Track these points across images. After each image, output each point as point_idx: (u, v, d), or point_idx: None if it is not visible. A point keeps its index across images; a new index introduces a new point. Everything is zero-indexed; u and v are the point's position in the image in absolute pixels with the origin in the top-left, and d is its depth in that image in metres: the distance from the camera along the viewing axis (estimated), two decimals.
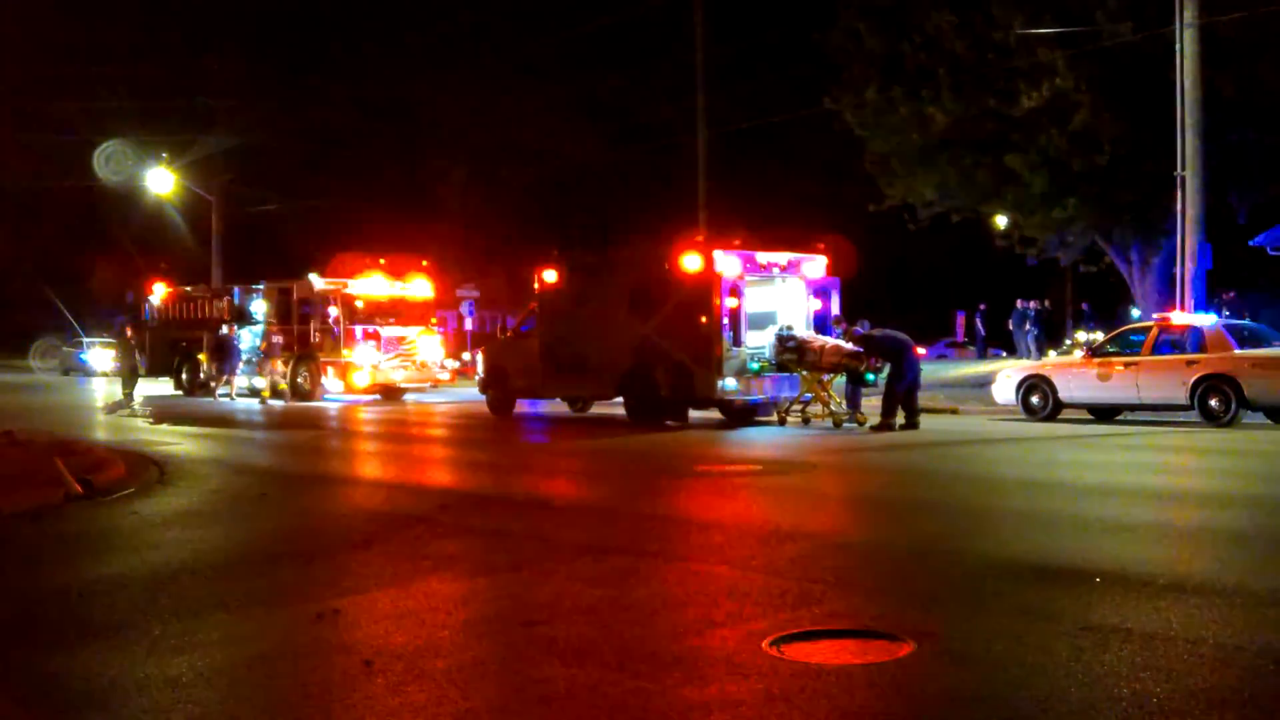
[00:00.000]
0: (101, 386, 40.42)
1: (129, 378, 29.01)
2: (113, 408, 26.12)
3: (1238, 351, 18.74)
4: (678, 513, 10.65)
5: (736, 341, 19.51)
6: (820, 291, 20.85)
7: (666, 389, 19.99)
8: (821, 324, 20.60)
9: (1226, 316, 24.11)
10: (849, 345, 19.28)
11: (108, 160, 44.93)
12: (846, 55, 31.54)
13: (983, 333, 42.12)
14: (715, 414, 21.08)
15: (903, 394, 18.88)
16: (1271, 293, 31.66)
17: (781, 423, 19.88)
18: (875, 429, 18.62)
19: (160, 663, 5.66)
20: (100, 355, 50.63)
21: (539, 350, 22.31)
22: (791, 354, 19.39)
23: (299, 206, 47.77)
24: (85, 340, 52.40)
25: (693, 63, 34.10)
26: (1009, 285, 41.89)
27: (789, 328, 19.86)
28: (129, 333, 30.51)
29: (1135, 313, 32.29)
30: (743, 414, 20.60)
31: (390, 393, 30.34)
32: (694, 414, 20.75)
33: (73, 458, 13.33)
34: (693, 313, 19.55)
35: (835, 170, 39.12)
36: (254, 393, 30.20)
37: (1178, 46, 23.52)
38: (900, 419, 18.75)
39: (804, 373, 19.51)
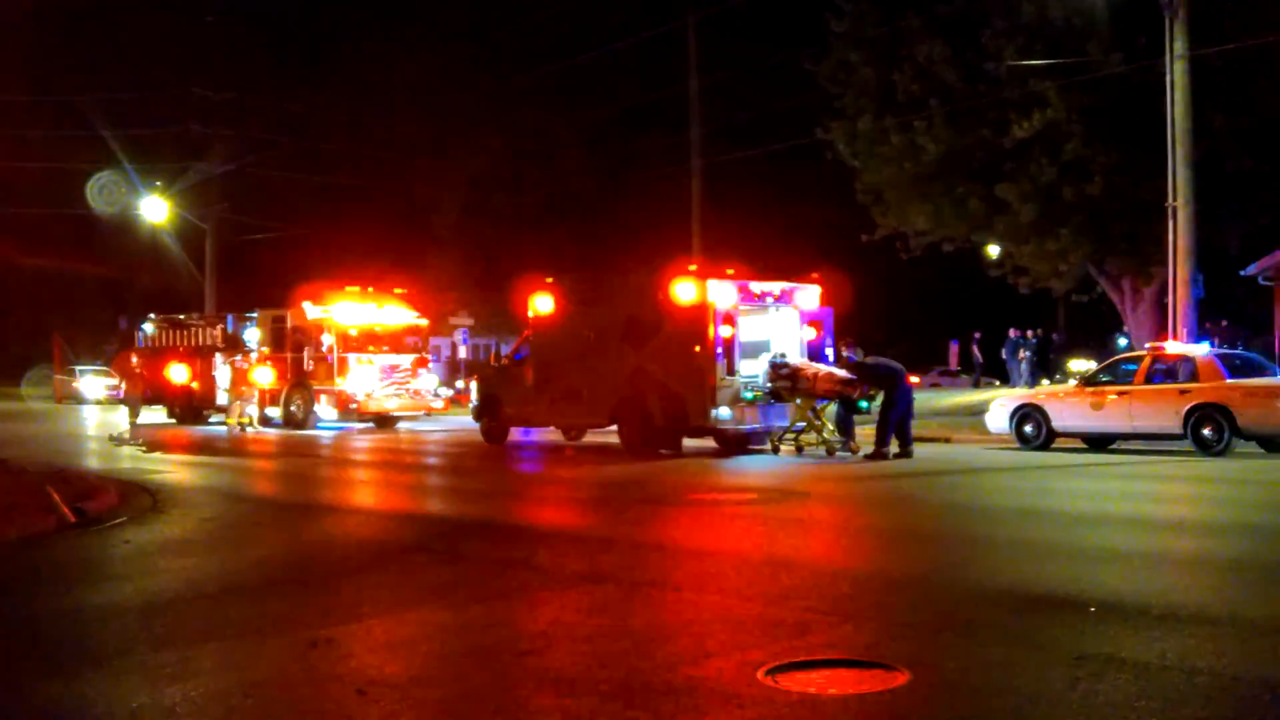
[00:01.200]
0: (95, 415, 40.35)
1: (136, 407, 28.95)
2: (122, 439, 25.72)
3: (1230, 381, 18.78)
4: (672, 542, 10.63)
5: (730, 370, 19.52)
6: (813, 321, 20.92)
7: (660, 418, 19.99)
8: (815, 353, 20.65)
9: (1218, 345, 24.20)
10: (842, 372, 19.33)
11: (101, 191, 45.02)
12: (839, 85, 31.70)
13: (981, 361, 42.17)
14: (709, 443, 21.08)
15: (896, 422, 18.91)
16: (1263, 322, 31.80)
17: (775, 451, 19.88)
18: (869, 457, 18.63)
19: (154, 691, 5.64)
20: (93, 383, 50.58)
21: (532, 378, 22.31)
22: (786, 381, 19.41)
23: (294, 234, 47.85)
24: (78, 368, 52.34)
25: (686, 92, 34.29)
26: (1002, 314, 41.99)
27: (782, 355, 19.91)
28: (136, 361, 30.35)
29: (1122, 342, 32.36)
30: (737, 443, 20.60)
31: (384, 421, 30.30)
32: (688, 443, 20.74)
33: (65, 485, 13.29)
34: (686, 342, 19.58)
35: (828, 199, 39.26)
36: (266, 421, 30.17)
37: (1168, 78, 23.68)
38: (894, 448, 18.78)
39: (797, 400, 19.53)
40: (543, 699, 5.41)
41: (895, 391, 19.07)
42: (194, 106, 45.13)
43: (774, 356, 19.80)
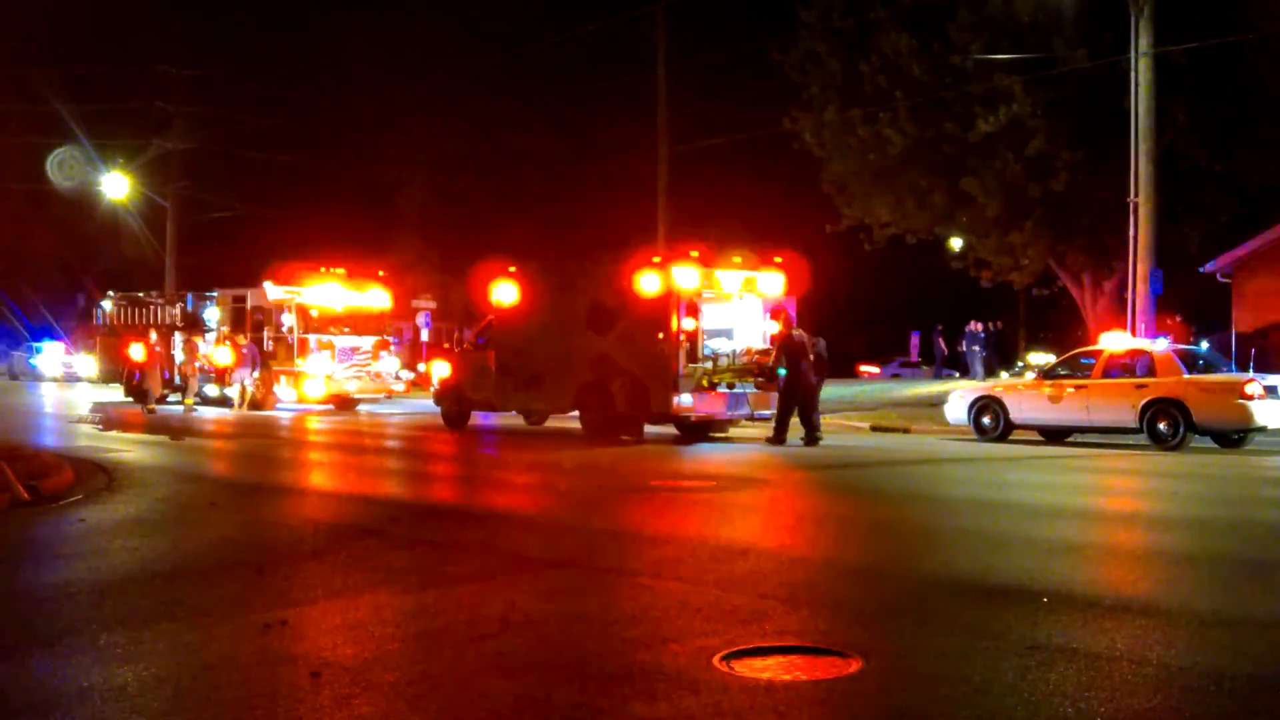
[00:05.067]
0: (52, 391, 39.92)
1: (154, 390, 28.64)
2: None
3: (1187, 376, 18.98)
4: (631, 527, 10.63)
5: (693, 358, 19.54)
6: (777, 309, 20.96)
7: (622, 404, 19.98)
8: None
9: (1172, 341, 24.43)
10: (760, 346, 20.02)
11: (60, 165, 44.48)
12: (806, 75, 31.76)
13: (945, 352, 42.34)
14: (670, 429, 21.10)
15: (794, 410, 19.08)
16: (1220, 319, 32.15)
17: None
18: (769, 441, 18.89)
19: (105, 672, 5.59)
20: (50, 360, 50.04)
21: (495, 363, 22.24)
22: (708, 361, 19.66)
23: (256, 214, 47.41)
24: (35, 345, 51.77)
25: (654, 79, 34.22)
26: (964, 306, 42.22)
27: (709, 347, 20.10)
28: (154, 339, 29.75)
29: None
30: (698, 430, 20.64)
31: (344, 403, 30.11)
32: (649, 429, 20.76)
33: (19, 463, 13.12)
34: (650, 329, 19.57)
35: (794, 189, 39.32)
36: (223, 400, 29.84)
37: (1132, 75, 23.87)
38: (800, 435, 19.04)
39: (738, 386, 19.79)
40: (498, 683, 5.40)
41: (795, 375, 19.19)
42: (157, 83, 44.64)
43: (703, 348, 19.90)
